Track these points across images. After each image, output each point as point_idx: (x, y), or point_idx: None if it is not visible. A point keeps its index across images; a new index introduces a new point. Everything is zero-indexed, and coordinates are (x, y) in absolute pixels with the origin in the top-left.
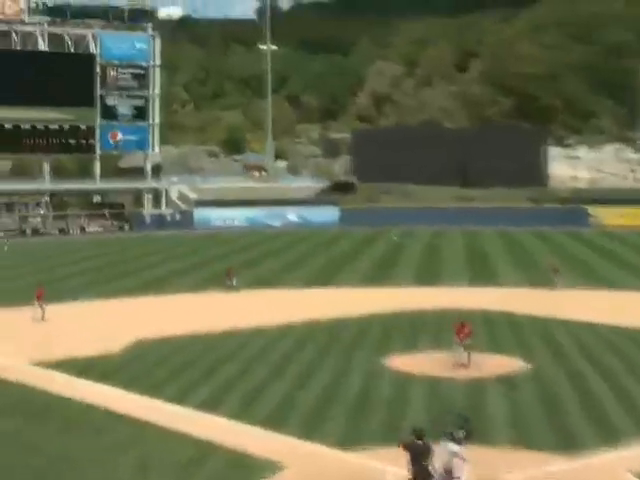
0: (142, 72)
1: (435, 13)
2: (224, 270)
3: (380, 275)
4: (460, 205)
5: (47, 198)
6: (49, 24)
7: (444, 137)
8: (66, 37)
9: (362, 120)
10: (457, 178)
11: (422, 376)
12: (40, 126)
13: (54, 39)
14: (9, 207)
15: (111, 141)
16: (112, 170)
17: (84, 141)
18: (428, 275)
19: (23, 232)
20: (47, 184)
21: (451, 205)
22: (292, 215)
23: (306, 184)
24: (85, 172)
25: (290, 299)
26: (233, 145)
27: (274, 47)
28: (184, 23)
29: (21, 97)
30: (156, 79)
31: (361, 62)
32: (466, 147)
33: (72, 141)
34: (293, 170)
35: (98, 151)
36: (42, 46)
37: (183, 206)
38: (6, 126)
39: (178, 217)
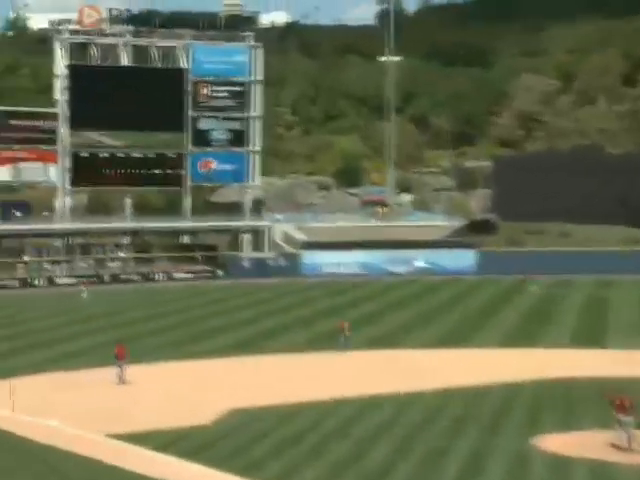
0: (241, 89)
1: (598, 15)
2: (336, 326)
3: (527, 334)
4: (629, 248)
5: (128, 239)
6: (133, 35)
7: (606, 165)
8: (152, 49)
9: (504, 145)
10: (622, 214)
11: (581, 460)
12: (121, 154)
13: (138, 52)
14: (85, 249)
15: (203, 171)
16: (204, 206)
17: (172, 171)
18: (589, 335)
19: (100, 278)
20: (128, 222)
21: (618, 248)
22: (419, 260)
23: (436, 223)
24: (173, 208)
25: (417, 362)
26: (348, 176)
27: (398, 58)
28: (291, 31)
29: (99, 120)
30: (257, 98)
31: (504, 76)
32: (633, 177)
33: (158, 171)
34: (420, 206)
35: (188, 183)
36: (124, 60)
37: (288, 249)
38: (82, 154)
39: (282, 262)
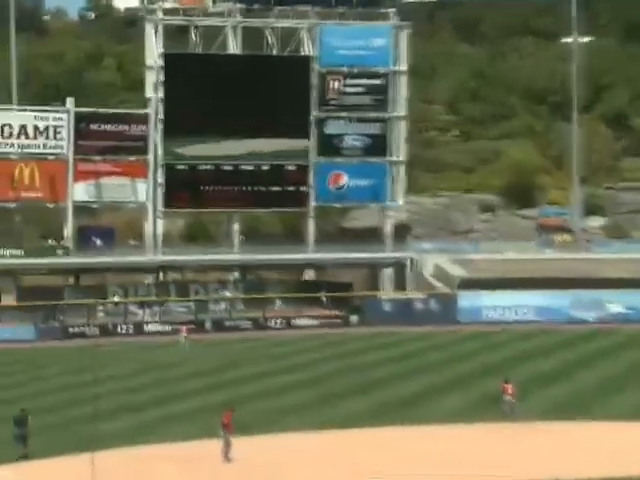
0: (381, 83)
1: None
2: (500, 387)
3: None
4: None
5: (236, 275)
6: (243, 15)
7: None
8: (268, 33)
9: None
10: None
11: None
12: (228, 166)
13: (250, 36)
14: (181, 288)
15: (332, 188)
16: (333, 232)
17: (292, 188)
18: None
19: (201, 325)
20: (236, 254)
21: None
22: (615, 304)
23: (636, 255)
24: (292, 235)
25: (608, 440)
26: (519, 193)
27: (586, 39)
28: (443, 7)
29: (201, 123)
30: (401, 93)
31: None
32: None
33: (274, 188)
34: (614, 232)
35: (312, 203)
36: (233, 46)
37: (442, 288)
38: (178, 167)
39: (434, 305)
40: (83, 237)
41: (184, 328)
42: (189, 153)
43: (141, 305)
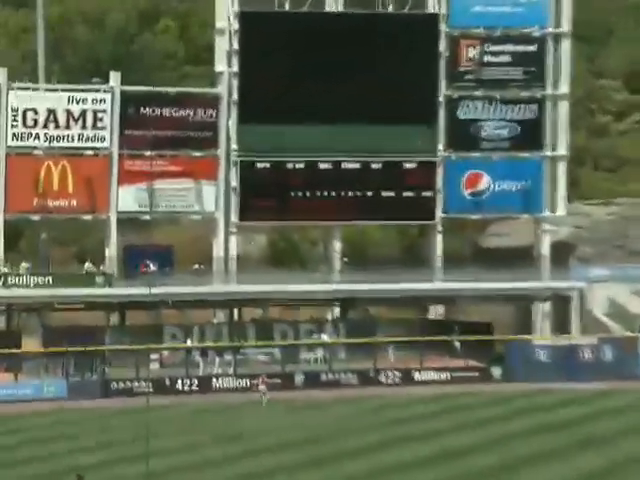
0: (534, 50)
1: None
2: None
3: None
4: None
5: (336, 312)
6: None
7: None
8: None
9: None
10: None
11: None
12: (325, 164)
13: None
14: (263, 329)
15: (467, 193)
16: (468, 254)
17: (411, 194)
18: None
19: (290, 379)
20: (336, 283)
21: None
22: None
23: None
24: (412, 258)
25: None
26: None
27: None
28: None
29: (286, 106)
30: (563, 64)
31: None
32: None
33: (387, 194)
34: None
35: (440, 213)
36: (332, 2)
37: (619, 330)
38: (258, 164)
39: (608, 353)
40: (131, 260)
41: (262, 379)
42: (273, 146)
43: (208, 353)
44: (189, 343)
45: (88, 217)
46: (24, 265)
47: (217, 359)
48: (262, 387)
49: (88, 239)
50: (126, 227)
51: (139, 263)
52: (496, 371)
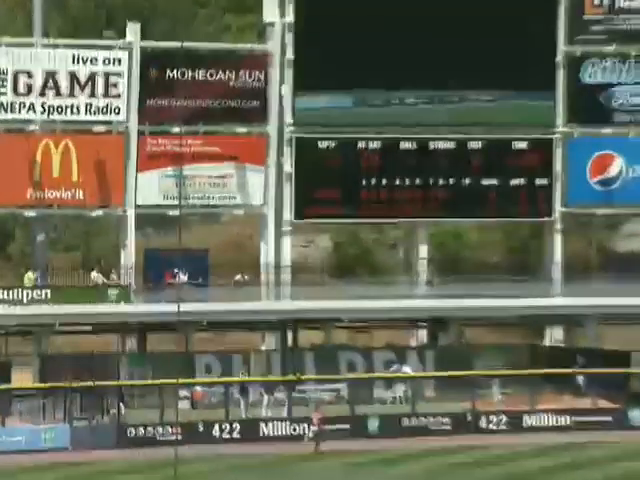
0: None
1: None
2: None
3: None
4: None
5: (423, 335)
6: None
7: None
8: None
9: None
10: None
11: None
12: (406, 143)
13: None
14: (326, 358)
15: (594, 181)
16: (595, 260)
17: (520, 181)
18: None
19: (361, 424)
20: (422, 298)
21: None
22: None
23: None
24: (520, 264)
25: None
26: None
27: None
28: None
29: (358, 68)
30: None
31: None
32: None
33: (488, 182)
34: None
35: (558, 207)
36: None
37: None
38: (320, 143)
39: None
40: (153, 269)
41: (316, 417)
42: (340, 120)
43: (253, 389)
44: (229, 377)
45: (98, 213)
46: (30, 276)
47: (265, 398)
48: (315, 428)
49: (98, 241)
50: (148, 226)
51: (164, 272)
52: (635, 415)
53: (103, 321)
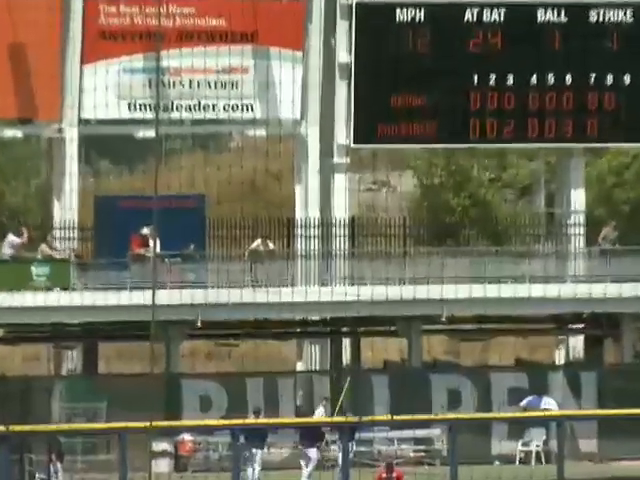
0: None
1: None
2: None
3: None
4: None
5: (578, 344)
6: None
7: None
8: None
9: None
10: None
11: None
12: (561, 12)
13: None
14: (405, 382)
15: None
16: None
17: None
18: None
19: None
20: (572, 279)
21: None
22: None
23: None
24: None
25: None
26: None
27: None
28: None
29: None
30: None
31: None
32: None
33: None
34: None
35: None
36: None
37: None
38: (399, 14)
39: None
40: (110, 229)
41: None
42: None
43: (278, 438)
44: (240, 417)
45: (15, 133)
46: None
47: (305, 461)
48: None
49: (15, 183)
50: (101, 156)
51: (129, 237)
52: None
53: (21, 322)
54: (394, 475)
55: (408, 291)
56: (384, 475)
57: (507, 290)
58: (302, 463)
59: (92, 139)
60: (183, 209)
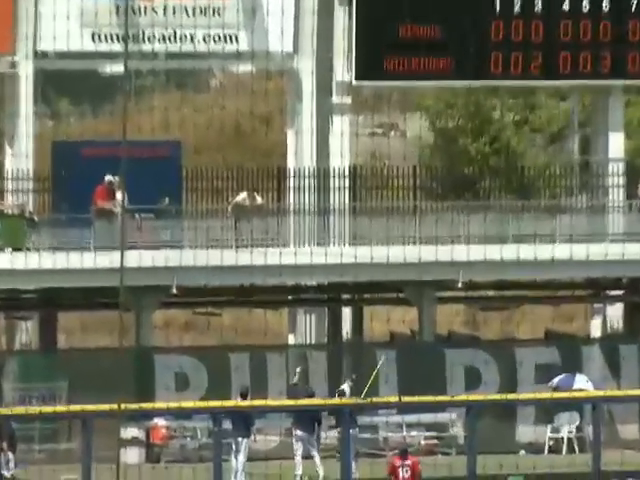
0: None
1: None
2: None
3: None
4: None
5: (616, 314)
6: None
7: None
8: None
9: None
10: None
11: None
12: None
13: None
14: (425, 359)
15: None
16: None
17: None
18: None
19: None
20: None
21: None
22: None
23: None
24: None
25: None
26: None
27: None
28: None
29: None
30: None
31: None
32: None
33: None
34: None
35: None
36: None
37: None
38: None
39: None
40: (70, 179)
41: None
42: None
43: (268, 422)
44: (223, 399)
45: None
46: None
47: (299, 443)
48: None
49: None
50: (60, 95)
51: (93, 187)
52: None
53: None
54: (408, 462)
55: (417, 252)
56: (397, 463)
57: (533, 251)
58: (310, 449)
59: (50, 75)
60: (156, 157)
